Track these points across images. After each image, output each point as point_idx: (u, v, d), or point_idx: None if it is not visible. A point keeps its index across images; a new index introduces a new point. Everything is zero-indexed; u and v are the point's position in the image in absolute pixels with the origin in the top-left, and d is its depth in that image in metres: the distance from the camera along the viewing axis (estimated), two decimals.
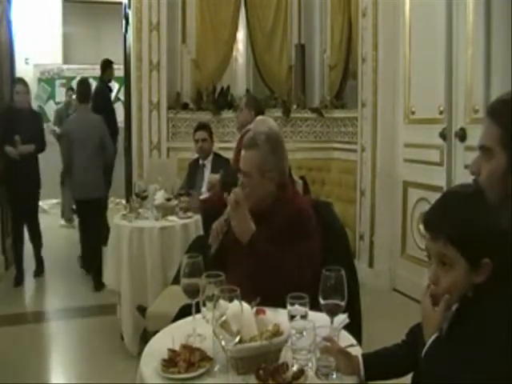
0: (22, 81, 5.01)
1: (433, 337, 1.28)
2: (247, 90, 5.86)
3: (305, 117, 5.73)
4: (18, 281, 4.87)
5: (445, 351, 1.25)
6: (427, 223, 1.32)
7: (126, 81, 5.98)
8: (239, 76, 6.00)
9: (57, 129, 7.68)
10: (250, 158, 2.15)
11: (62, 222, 7.57)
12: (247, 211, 2.04)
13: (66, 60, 9.45)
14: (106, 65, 6.57)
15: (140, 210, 3.68)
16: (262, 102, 4.92)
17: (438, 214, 1.31)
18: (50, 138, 7.61)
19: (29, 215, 5.04)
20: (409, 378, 1.49)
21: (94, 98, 6.74)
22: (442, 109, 4.02)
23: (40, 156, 5.08)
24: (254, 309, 1.55)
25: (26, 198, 4.92)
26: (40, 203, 8.05)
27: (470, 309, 1.26)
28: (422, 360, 1.30)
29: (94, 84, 9.00)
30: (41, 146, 4.97)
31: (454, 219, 1.26)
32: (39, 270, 5.12)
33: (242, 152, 2.20)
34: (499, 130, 1.30)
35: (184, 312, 1.94)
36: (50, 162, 7.36)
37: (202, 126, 4.64)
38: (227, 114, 5.59)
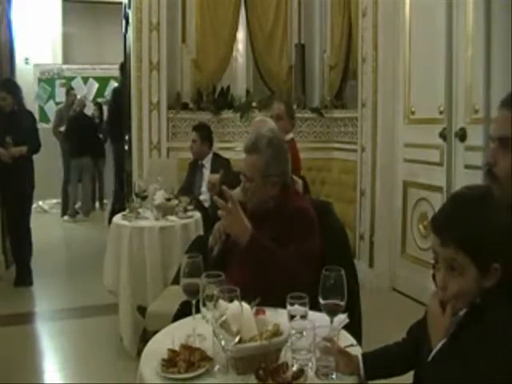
0: (4, 87, 4.71)
1: (441, 342, 1.27)
2: (247, 91, 5.86)
3: (305, 117, 5.71)
4: (28, 282, 4.78)
5: (452, 356, 1.24)
6: (437, 228, 1.29)
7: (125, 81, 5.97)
8: (239, 76, 5.99)
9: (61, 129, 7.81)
10: (252, 163, 2.14)
11: (66, 217, 7.86)
12: (241, 213, 2.01)
13: (65, 60, 9.45)
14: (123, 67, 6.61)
15: (140, 210, 3.68)
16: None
17: (447, 218, 1.28)
18: (51, 138, 7.68)
19: (20, 219, 4.81)
20: (409, 378, 1.49)
21: (114, 98, 6.83)
22: (442, 109, 4.02)
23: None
24: (254, 309, 1.55)
25: (17, 201, 4.73)
26: (40, 203, 8.17)
27: (477, 313, 1.25)
28: (428, 365, 1.28)
29: (95, 84, 9.19)
30: (34, 147, 4.79)
31: (465, 224, 1.23)
32: (23, 280, 4.77)
33: (244, 155, 2.19)
34: None
35: (185, 307, 1.93)
36: (50, 162, 7.40)
37: (196, 128, 4.68)
38: (227, 114, 5.58)
